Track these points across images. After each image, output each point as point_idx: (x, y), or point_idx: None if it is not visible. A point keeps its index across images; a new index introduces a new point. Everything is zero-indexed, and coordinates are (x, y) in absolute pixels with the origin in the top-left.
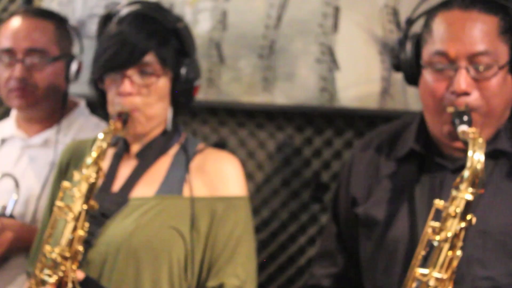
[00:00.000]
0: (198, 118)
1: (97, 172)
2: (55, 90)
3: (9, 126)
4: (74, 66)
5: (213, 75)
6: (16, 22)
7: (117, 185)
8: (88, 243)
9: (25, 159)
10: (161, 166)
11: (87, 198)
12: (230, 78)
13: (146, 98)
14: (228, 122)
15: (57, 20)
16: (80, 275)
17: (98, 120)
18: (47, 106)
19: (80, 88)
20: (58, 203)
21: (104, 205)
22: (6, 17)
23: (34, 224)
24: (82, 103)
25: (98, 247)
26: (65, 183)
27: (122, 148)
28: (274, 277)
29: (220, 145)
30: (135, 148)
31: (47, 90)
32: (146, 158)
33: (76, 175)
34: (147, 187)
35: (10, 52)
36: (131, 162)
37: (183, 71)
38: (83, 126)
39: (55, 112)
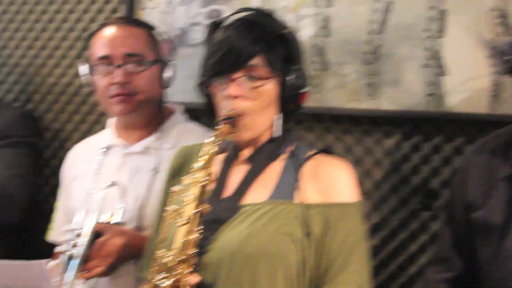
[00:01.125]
0: (303, 125)
1: (208, 176)
2: (152, 96)
3: (109, 135)
4: (169, 72)
5: (317, 81)
6: (109, 30)
7: (228, 191)
8: (201, 248)
9: (127, 166)
10: (273, 172)
11: (200, 201)
12: (334, 84)
13: (252, 102)
14: (333, 129)
15: (148, 28)
16: (195, 279)
17: (197, 126)
18: (145, 112)
19: (181, 96)
20: (170, 207)
21: (216, 211)
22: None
23: (141, 231)
24: (179, 110)
25: (212, 253)
26: (176, 188)
27: (232, 153)
28: (385, 284)
29: (326, 152)
30: (245, 153)
31: (146, 95)
32: (258, 163)
33: (186, 180)
34: (259, 192)
35: (108, 59)
36: (241, 167)
37: (291, 76)
38: (182, 132)
39: (153, 119)
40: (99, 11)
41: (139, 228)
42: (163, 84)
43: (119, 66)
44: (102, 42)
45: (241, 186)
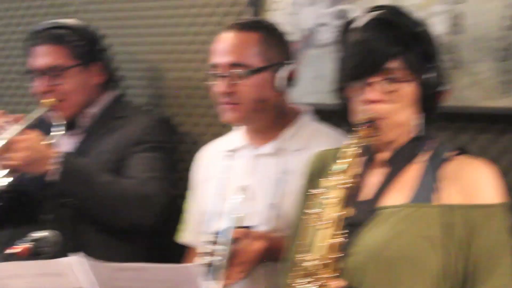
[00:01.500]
0: (436, 125)
1: (351, 179)
2: (263, 101)
3: (238, 137)
4: (282, 74)
5: (449, 80)
6: (223, 37)
7: (366, 193)
8: (341, 251)
9: (257, 169)
10: (412, 174)
11: (342, 205)
12: (467, 82)
13: (392, 105)
14: (467, 128)
15: (266, 30)
16: (340, 283)
17: (327, 128)
18: (263, 117)
19: (309, 98)
20: (311, 211)
21: (355, 213)
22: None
23: (274, 233)
24: (308, 111)
25: (352, 256)
26: (316, 191)
27: (369, 156)
28: None
29: (464, 152)
30: (382, 155)
31: (253, 103)
32: (397, 165)
33: (326, 183)
34: (398, 195)
35: (216, 67)
36: (379, 169)
37: (429, 75)
38: (313, 133)
39: (276, 122)
40: (225, 14)
41: (271, 230)
42: (278, 88)
43: (223, 76)
44: (214, 49)
45: (380, 189)
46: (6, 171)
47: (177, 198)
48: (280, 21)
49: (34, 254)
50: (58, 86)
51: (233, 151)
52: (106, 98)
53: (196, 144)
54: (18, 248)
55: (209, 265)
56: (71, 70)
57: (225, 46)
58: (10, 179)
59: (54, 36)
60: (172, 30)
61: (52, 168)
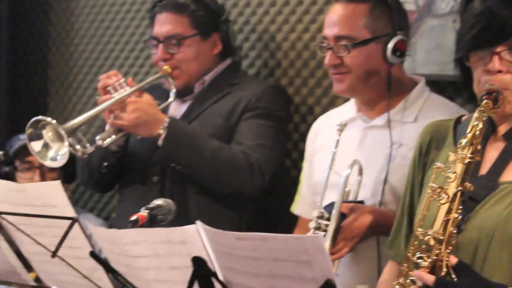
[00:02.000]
0: None
1: (473, 153)
2: (371, 72)
3: (350, 109)
4: (391, 45)
5: None
6: (332, 9)
7: (484, 168)
8: (457, 227)
9: (368, 141)
10: None
11: (463, 179)
12: None
13: None
14: None
15: (375, 1)
16: (454, 259)
17: (442, 99)
18: (372, 88)
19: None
20: (431, 184)
21: (473, 188)
22: None
23: (382, 206)
24: (422, 82)
25: (468, 232)
26: (438, 164)
27: (488, 129)
28: None
29: None
30: (502, 129)
31: (361, 74)
32: None
33: (451, 156)
34: None
35: (326, 39)
36: (499, 143)
37: None
38: (426, 105)
39: (391, 93)
40: None
41: (380, 203)
42: (388, 59)
43: (330, 48)
44: (325, 21)
45: (498, 163)
46: (113, 130)
47: (291, 168)
48: None
49: (150, 221)
50: (175, 55)
51: (344, 124)
52: (221, 66)
53: (309, 115)
54: (136, 215)
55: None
56: (189, 39)
57: (332, 18)
58: (118, 139)
59: (176, 4)
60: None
61: (159, 132)
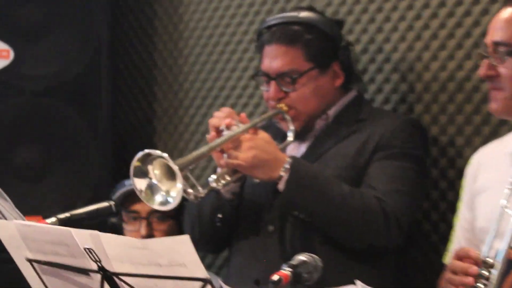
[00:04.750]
0: None
1: None
2: None
3: None
4: None
5: None
6: (499, 13)
7: None
8: None
9: None
10: None
11: None
12: None
13: None
14: None
15: None
16: None
17: None
18: None
19: None
20: None
21: None
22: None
23: None
24: None
25: None
26: None
27: None
28: None
29: None
30: None
31: None
32: None
33: None
34: None
35: (486, 47)
36: None
37: None
38: None
39: None
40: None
41: None
42: None
43: (486, 57)
44: (489, 26)
45: None
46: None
47: (442, 215)
48: None
49: (294, 281)
50: (290, 93)
51: None
52: (345, 99)
53: (460, 156)
54: (278, 274)
55: None
56: (305, 75)
57: (495, 23)
58: (233, 182)
59: (287, 35)
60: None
61: (279, 174)
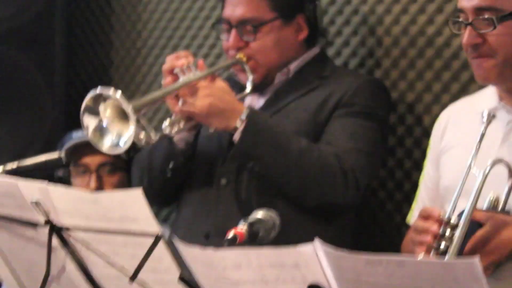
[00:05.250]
0: None
1: None
2: None
3: (489, 97)
4: None
5: None
6: None
7: None
8: None
9: None
10: None
11: None
12: None
13: None
14: None
15: None
16: None
17: None
18: None
19: None
20: None
21: None
22: None
23: None
24: None
25: None
26: None
27: None
28: None
29: None
30: None
31: (510, 56)
32: None
33: None
34: None
35: (461, 13)
36: None
37: None
38: None
39: None
40: None
41: None
42: None
43: (468, 24)
44: None
45: None
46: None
47: (405, 175)
48: None
49: (250, 239)
50: (251, 43)
51: (489, 114)
52: (307, 55)
53: (425, 115)
54: (233, 231)
55: (443, 253)
56: (268, 24)
57: None
58: (186, 130)
59: None
60: None
61: (235, 124)
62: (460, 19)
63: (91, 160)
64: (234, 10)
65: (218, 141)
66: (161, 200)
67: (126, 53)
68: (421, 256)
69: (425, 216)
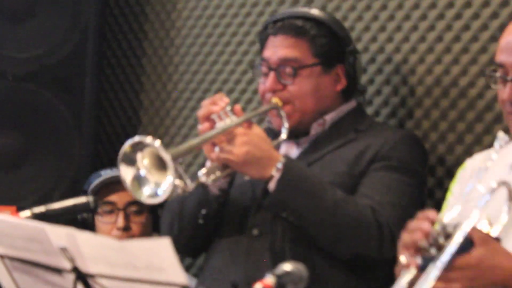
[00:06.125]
0: None
1: None
2: None
3: None
4: None
5: None
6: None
7: None
8: None
9: None
10: None
11: None
12: None
13: None
14: None
15: None
16: None
17: None
18: None
19: None
20: None
21: None
22: None
23: None
24: None
25: None
26: None
27: None
28: None
29: None
30: None
31: None
32: None
33: None
34: None
35: (500, 67)
36: None
37: None
38: None
39: None
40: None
41: None
42: None
43: (510, 80)
44: (501, 44)
45: None
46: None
47: None
48: None
49: None
50: (289, 86)
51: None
52: (344, 108)
53: (456, 166)
54: (260, 283)
55: (429, 259)
56: (308, 69)
57: None
58: (222, 178)
59: (294, 27)
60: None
61: (271, 173)
62: (498, 74)
63: (119, 198)
64: (276, 51)
65: (251, 189)
66: (191, 249)
67: (156, 96)
68: (403, 259)
69: (420, 217)
